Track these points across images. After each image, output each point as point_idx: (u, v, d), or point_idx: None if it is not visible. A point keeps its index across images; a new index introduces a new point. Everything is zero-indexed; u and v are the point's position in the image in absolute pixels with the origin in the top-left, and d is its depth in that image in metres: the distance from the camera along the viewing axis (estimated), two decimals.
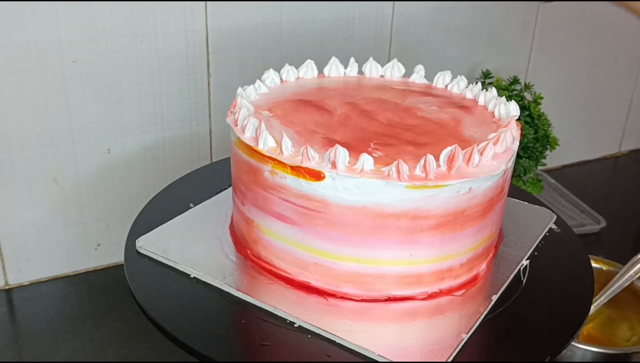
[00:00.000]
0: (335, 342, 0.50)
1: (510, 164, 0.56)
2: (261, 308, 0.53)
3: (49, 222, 0.83)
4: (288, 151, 0.52)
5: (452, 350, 0.49)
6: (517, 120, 0.61)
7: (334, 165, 0.50)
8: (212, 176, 0.72)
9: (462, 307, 0.55)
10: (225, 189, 0.69)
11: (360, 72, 0.70)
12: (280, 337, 0.51)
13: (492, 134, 0.57)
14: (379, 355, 0.48)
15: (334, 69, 0.70)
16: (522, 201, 0.71)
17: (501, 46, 1.06)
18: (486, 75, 0.96)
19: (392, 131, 0.57)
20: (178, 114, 0.86)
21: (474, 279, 0.57)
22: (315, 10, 0.89)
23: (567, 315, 0.55)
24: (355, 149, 0.52)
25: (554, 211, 0.70)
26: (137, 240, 0.60)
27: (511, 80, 0.95)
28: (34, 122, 0.78)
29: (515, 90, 0.94)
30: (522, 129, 0.76)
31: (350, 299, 0.54)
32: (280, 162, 0.51)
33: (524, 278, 0.59)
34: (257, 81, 0.65)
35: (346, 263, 0.53)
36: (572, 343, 0.70)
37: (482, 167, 0.52)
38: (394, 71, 0.70)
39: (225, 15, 0.83)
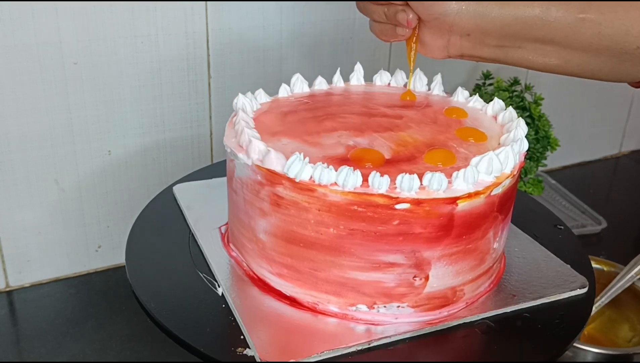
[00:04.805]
0: None
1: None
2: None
3: (49, 223, 0.83)
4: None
5: None
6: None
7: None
8: (213, 178, 0.72)
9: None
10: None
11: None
12: None
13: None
14: None
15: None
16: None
17: None
18: (486, 76, 0.96)
19: (325, 114, 0.61)
20: (178, 115, 0.86)
21: (265, 285, 0.55)
22: (316, 12, 0.89)
23: (568, 316, 0.55)
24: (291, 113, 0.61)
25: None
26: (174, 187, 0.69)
27: (511, 81, 0.95)
28: (35, 124, 0.78)
29: (516, 91, 0.94)
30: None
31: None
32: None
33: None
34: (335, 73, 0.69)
35: None
36: (574, 344, 0.70)
37: (268, 160, 0.51)
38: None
39: (225, 17, 0.83)
